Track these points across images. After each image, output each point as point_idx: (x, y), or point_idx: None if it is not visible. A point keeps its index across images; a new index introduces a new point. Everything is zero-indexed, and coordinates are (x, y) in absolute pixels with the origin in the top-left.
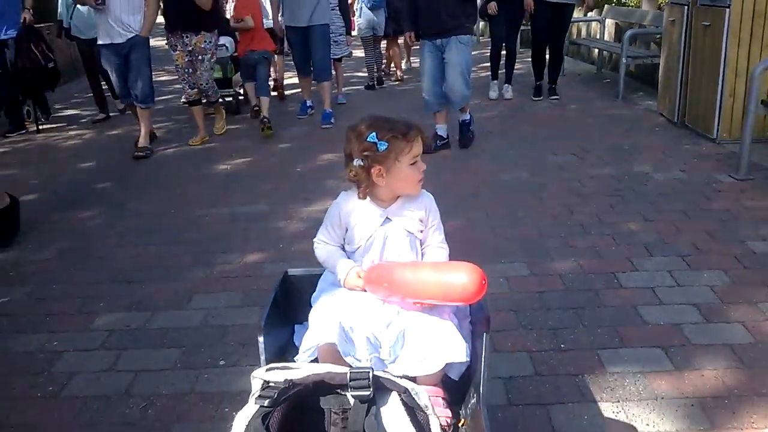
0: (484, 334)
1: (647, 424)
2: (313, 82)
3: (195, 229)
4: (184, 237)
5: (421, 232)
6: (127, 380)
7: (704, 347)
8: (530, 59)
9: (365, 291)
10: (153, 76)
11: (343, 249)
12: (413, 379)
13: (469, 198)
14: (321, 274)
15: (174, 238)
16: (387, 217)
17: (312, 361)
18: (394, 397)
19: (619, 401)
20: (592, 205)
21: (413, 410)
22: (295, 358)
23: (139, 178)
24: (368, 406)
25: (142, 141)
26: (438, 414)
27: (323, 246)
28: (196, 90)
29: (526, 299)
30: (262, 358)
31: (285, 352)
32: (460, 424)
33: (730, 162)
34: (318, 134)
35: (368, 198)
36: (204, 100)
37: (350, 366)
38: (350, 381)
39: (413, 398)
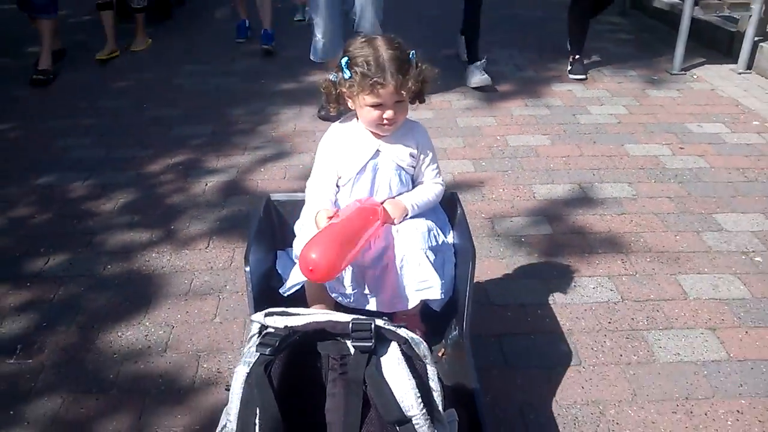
0: (469, 265)
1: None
2: None
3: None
4: None
5: (413, 167)
6: None
7: None
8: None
9: None
10: None
11: (337, 186)
12: (390, 315)
13: None
14: (304, 201)
15: None
16: (378, 149)
17: (296, 292)
18: (393, 347)
19: None
20: None
21: (412, 360)
22: (280, 290)
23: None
24: (369, 356)
25: (43, 62)
26: None
27: (313, 184)
28: None
29: None
30: (249, 288)
31: (269, 279)
32: (440, 354)
33: None
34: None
35: (363, 126)
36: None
37: (335, 301)
38: (352, 331)
39: (413, 348)
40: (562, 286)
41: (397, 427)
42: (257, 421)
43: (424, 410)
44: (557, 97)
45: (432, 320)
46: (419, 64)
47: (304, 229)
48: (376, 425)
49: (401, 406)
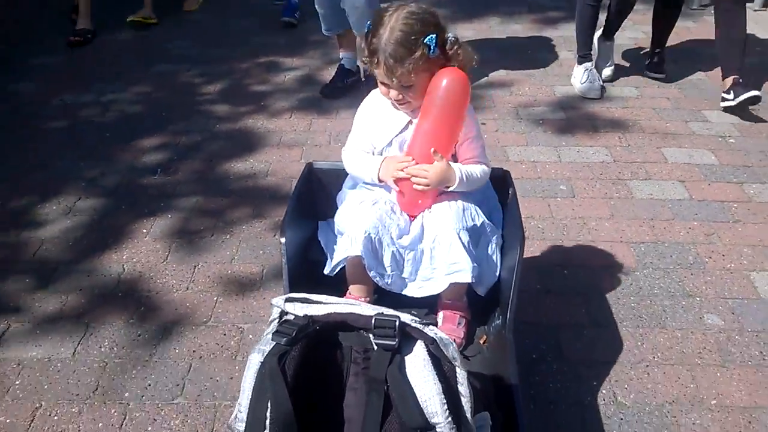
0: (518, 251)
1: None
2: None
3: None
4: None
5: None
6: None
7: None
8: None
9: (400, 181)
10: None
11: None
12: (435, 301)
13: None
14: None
15: None
16: (410, 122)
17: (339, 272)
18: (419, 347)
19: None
20: None
21: (440, 361)
22: (324, 271)
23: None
24: (392, 355)
25: (82, 21)
26: (449, 333)
27: (350, 151)
28: None
29: None
30: (284, 260)
31: (306, 249)
32: (481, 341)
33: None
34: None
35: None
36: None
37: (373, 281)
38: (375, 327)
39: (441, 349)
40: (567, 151)
41: None
42: (268, 414)
43: (450, 417)
44: None
45: (476, 305)
46: (445, 47)
47: (346, 202)
48: (396, 428)
49: (425, 411)
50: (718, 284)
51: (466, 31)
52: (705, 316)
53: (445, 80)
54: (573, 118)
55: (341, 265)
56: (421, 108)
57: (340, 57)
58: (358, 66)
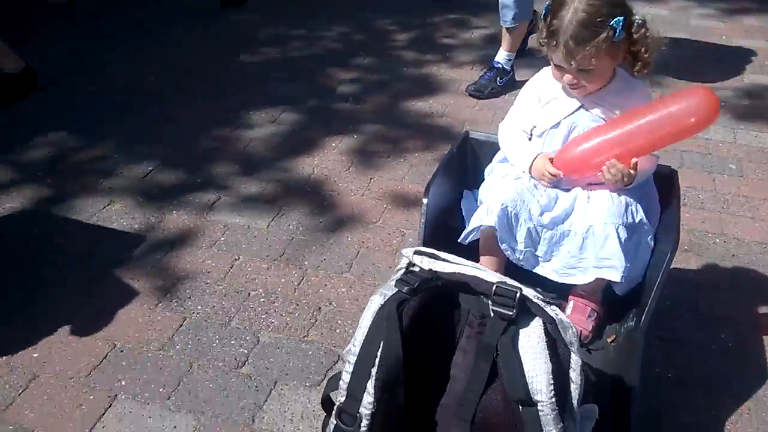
0: (668, 255)
1: None
2: None
3: None
4: None
5: (616, 109)
6: None
7: None
8: None
9: (555, 178)
10: None
11: (531, 134)
12: (569, 288)
13: None
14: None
15: None
16: (580, 105)
17: (473, 242)
18: (536, 323)
19: None
20: None
21: (555, 343)
22: (459, 239)
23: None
24: (507, 324)
25: None
26: (576, 323)
27: (509, 129)
28: None
29: None
30: (423, 219)
31: (446, 215)
32: (609, 340)
33: None
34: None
35: None
36: None
37: (504, 256)
38: (494, 295)
39: (558, 331)
40: (744, 134)
41: (520, 407)
42: (379, 354)
43: (554, 399)
44: None
45: (611, 302)
46: (631, 29)
47: (492, 175)
48: (499, 397)
49: (530, 386)
50: None
51: (662, 9)
52: None
53: (695, 117)
54: (757, 106)
55: (475, 235)
56: (644, 118)
57: (497, 56)
58: (512, 66)
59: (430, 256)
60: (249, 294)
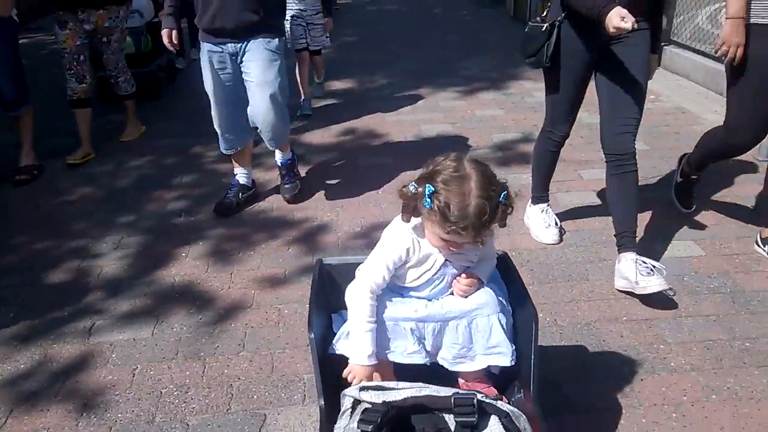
0: (532, 327)
1: None
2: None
3: None
4: None
5: (477, 255)
6: None
7: None
8: None
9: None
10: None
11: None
12: (455, 375)
13: None
14: (357, 264)
15: None
16: (446, 261)
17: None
18: (494, 421)
19: None
20: None
21: None
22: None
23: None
24: (471, 430)
25: (25, 158)
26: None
27: (362, 292)
28: (84, 86)
29: None
30: (313, 355)
31: (326, 341)
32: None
33: None
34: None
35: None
36: (118, 93)
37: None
38: (455, 406)
39: (513, 422)
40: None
41: None
42: None
43: None
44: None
45: (492, 380)
46: (507, 203)
47: (349, 326)
48: None
49: None
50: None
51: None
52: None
53: None
54: (508, 155)
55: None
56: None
57: (235, 173)
58: (253, 180)
59: (376, 389)
60: (161, 393)
